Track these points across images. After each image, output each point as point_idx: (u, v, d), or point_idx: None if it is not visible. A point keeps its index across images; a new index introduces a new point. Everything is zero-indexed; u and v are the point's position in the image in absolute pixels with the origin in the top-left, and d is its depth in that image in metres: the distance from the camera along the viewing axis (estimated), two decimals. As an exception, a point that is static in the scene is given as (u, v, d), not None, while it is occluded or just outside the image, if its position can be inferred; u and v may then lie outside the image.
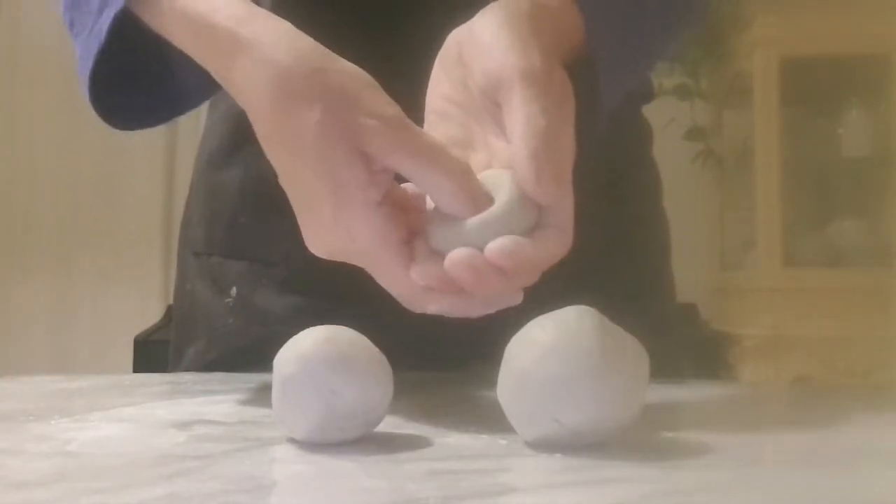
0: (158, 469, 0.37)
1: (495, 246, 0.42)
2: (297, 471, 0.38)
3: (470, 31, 0.50)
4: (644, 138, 0.78)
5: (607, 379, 0.38)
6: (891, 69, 2.17)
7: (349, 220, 0.45)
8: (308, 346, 0.41)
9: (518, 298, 0.45)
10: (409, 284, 0.45)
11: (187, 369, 0.72)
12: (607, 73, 0.54)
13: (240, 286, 0.71)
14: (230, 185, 0.72)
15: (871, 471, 0.38)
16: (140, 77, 0.59)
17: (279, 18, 0.49)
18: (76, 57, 0.58)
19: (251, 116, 0.49)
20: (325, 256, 0.48)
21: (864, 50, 2.21)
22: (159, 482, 0.35)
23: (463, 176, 0.45)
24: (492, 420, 0.43)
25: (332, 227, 0.46)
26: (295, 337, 0.42)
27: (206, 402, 0.53)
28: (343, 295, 0.66)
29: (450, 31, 0.52)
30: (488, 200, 0.45)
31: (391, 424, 0.44)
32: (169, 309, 1.05)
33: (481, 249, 0.43)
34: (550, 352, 0.38)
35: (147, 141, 2.50)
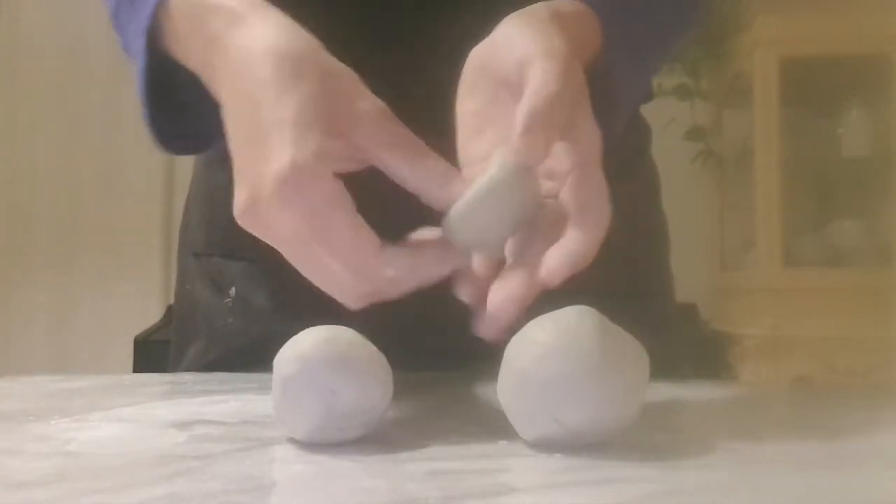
0: (158, 469, 0.37)
1: (546, 269, 0.42)
2: (297, 471, 0.38)
3: (491, 40, 0.50)
4: (643, 138, 0.78)
5: (607, 379, 0.38)
6: (891, 69, 2.17)
7: (302, 168, 0.43)
8: (308, 346, 0.41)
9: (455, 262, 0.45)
10: (363, 248, 0.44)
11: (187, 369, 0.72)
12: (624, 77, 0.54)
13: (239, 286, 0.71)
14: (229, 186, 0.72)
15: (871, 471, 0.38)
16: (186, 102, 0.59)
17: (280, 11, 0.49)
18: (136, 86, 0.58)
19: (221, 82, 0.48)
20: (249, 221, 0.47)
21: (864, 50, 2.21)
22: (159, 482, 0.35)
23: (448, 171, 0.45)
24: (492, 420, 0.43)
25: (277, 179, 0.43)
26: (295, 337, 0.42)
27: (206, 402, 0.53)
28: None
29: (466, 45, 0.52)
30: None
31: (391, 424, 0.44)
32: (169, 309, 1.06)
33: (481, 227, 0.43)
34: (550, 352, 0.38)
35: (147, 141, 2.50)
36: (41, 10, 2.69)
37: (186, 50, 0.53)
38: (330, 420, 0.40)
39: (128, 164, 2.62)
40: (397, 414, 0.46)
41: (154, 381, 0.67)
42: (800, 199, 2.35)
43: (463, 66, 0.52)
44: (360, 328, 0.43)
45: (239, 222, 0.47)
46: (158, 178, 2.61)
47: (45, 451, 0.40)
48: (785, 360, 2.09)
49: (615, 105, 0.54)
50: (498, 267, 0.46)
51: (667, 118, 2.07)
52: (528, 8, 0.51)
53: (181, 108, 0.59)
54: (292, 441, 0.41)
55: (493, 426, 0.42)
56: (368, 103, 0.45)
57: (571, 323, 0.39)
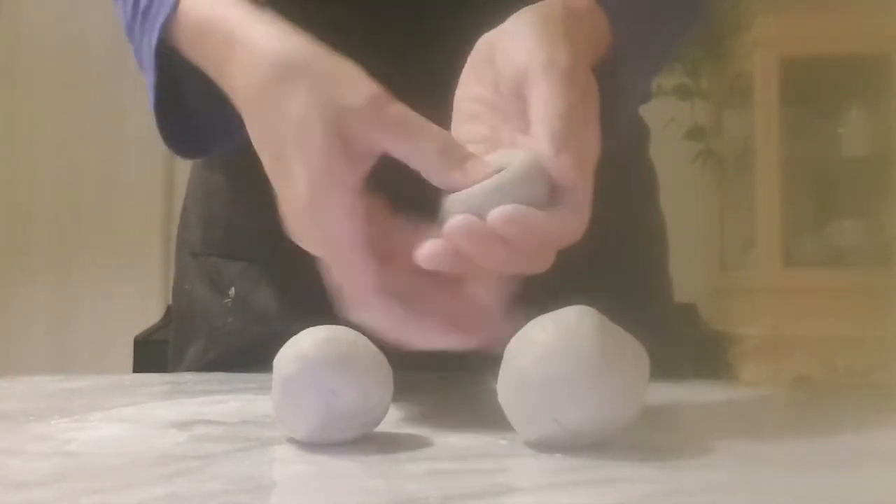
0: (158, 469, 0.37)
1: (498, 211, 0.41)
2: (297, 471, 0.38)
3: (501, 31, 0.51)
4: (641, 139, 0.78)
5: (607, 379, 0.38)
6: (891, 69, 2.17)
7: (322, 207, 0.45)
8: (308, 346, 0.41)
9: (468, 343, 0.46)
10: (365, 282, 0.45)
11: (187, 369, 0.72)
12: (630, 75, 0.54)
13: (238, 286, 0.71)
14: (227, 186, 0.72)
15: (872, 471, 0.38)
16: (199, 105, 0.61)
17: (277, 20, 0.50)
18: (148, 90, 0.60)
19: (240, 108, 0.50)
20: (300, 243, 0.48)
21: (864, 50, 2.21)
22: (159, 482, 0.35)
23: (447, 141, 0.45)
24: (492, 420, 0.43)
25: (307, 214, 0.45)
26: (295, 337, 0.42)
27: (206, 402, 0.53)
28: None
29: (471, 35, 0.52)
30: (489, 172, 0.44)
31: (391, 424, 0.44)
32: (169, 309, 1.05)
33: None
34: (550, 352, 0.38)
35: (147, 141, 2.50)
36: (41, 10, 2.69)
37: (200, 61, 0.54)
38: (330, 420, 0.40)
39: (128, 164, 2.62)
40: (397, 414, 0.46)
41: (154, 381, 0.67)
42: (800, 199, 2.35)
43: (464, 54, 0.52)
44: (361, 328, 0.43)
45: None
46: (158, 178, 2.61)
47: (45, 451, 0.40)
48: (785, 360, 2.09)
49: (620, 104, 0.54)
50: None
51: (667, 118, 2.07)
52: (543, 3, 0.51)
53: (191, 112, 0.60)
54: (292, 441, 0.41)
55: (493, 426, 0.42)
56: (358, 93, 0.45)
57: (571, 323, 0.39)
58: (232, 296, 0.71)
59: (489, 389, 0.42)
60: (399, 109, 0.45)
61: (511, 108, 0.48)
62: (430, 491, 0.33)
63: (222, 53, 0.51)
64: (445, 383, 0.62)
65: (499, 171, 0.44)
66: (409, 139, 0.45)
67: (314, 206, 0.45)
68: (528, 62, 0.47)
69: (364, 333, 0.43)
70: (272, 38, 0.49)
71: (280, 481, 0.37)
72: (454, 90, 0.52)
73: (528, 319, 0.41)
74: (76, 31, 2.62)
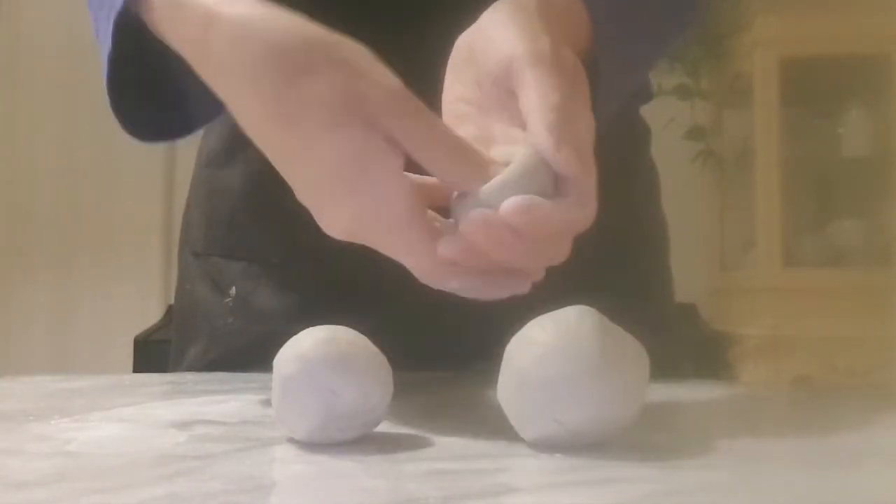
0: (158, 469, 0.37)
1: (508, 203, 0.41)
2: (297, 471, 0.38)
3: (478, 28, 0.50)
4: (642, 139, 0.78)
5: (607, 379, 0.38)
6: (891, 69, 2.17)
7: (374, 188, 0.43)
8: (308, 346, 0.41)
9: (526, 286, 0.45)
10: (432, 257, 0.44)
11: (188, 369, 0.72)
12: (612, 73, 0.54)
13: (239, 286, 0.71)
14: (230, 185, 0.72)
15: (872, 471, 0.38)
16: (159, 89, 0.58)
17: None
18: (103, 69, 0.56)
19: (235, 101, 0.46)
20: (342, 236, 0.46)
21: (864, 50, 2.21)
22: (159, 482, 0.35)
23: (458, 140, 0.45)
24: (492, 420, 0.43)
25: (354, 200, 0.43)
26: (295, 337, 0.42)
27: (207, 402, 0.53)
28: (343, 294, 0.66)
29: (455, 35, 0.52)
30: (500, 170, 0.44)
31: (391, 424, 0.44)
32: (169, 309, 1.06)
33: None
34: (550, 352, 0.38)
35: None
36: (41, 10, 2.69)
37: (174, 42, 0.50)
38: (330, 420, 0.40)
39: (128, 165, 2.62)
40: (397, 414, 0.46)
41: (154, 381, 0.67)
42: (800, 199, 2.35)
43: (450, 51, 0.52)
44: (361, 328, 0.43)
45: (329, 233, 0.47)
46: (158, 178, 2.61)
47: (45, 451, 0.40)
48: (785, 360, 2.09)
49: (600, 97, 0.53)
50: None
51: (667, 118, 2.07)
52: None
53: (154, 97, 0.58)
54: (292, 441, 0.41)
55: (493, 426, 0.42)
56: (382, 82, 0.44)
57: (571, 323, 0.39)
58: (233, 295, 0.71)
59: (489, 389, 0.42)
60: (418, 105, 0.44)
61: (498, 104, 0.48)
62: (430, 491, 0.33)
63: (199, 33, 0.46)
64: (445, 383, 0.62)
65: (504, 167, 0.44)
66: (435, 136, 0.44)
67: (363, 192, 0.43)
68: (510, 55, 0.46)
69: (362, 332, 0.43)
70: (266, 16, 0.45)
71: (280, 481, 0.37)
72: (438, 86, 0.51)
73: (529, 319, 0.41)
74: (76, 31, 2.62)
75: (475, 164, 0.44)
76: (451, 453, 0.39)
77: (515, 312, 0.43)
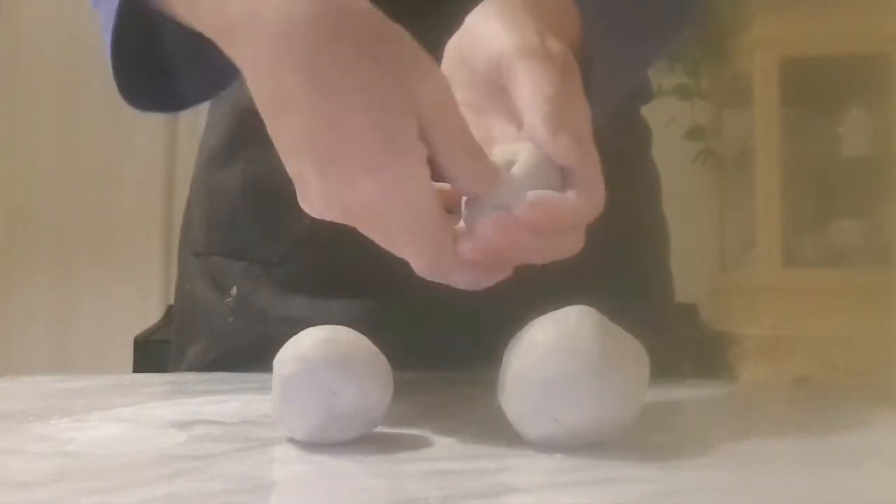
0: (158, 469, 0.37)
1: (521, 202, 0.41)
2: (297, 471, 0.38)
3: (465, 30, 0.50)
4: (642, 139, 0.78)
5: (607, 379, 0.38)
6: (891, 69, 2.18)
7: (399, 167, 0.42)
8: (308, 346, 0.41)
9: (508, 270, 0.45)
10: (445, 248, 0.44)
11: (188, 369, 0.72)
12: (604, 68, 0.54)
13: (240, 286, 0.71)
14: (230, 185, 0.72)
15: (872, 471, 0.38)
16: (162, 61, 0.57)
17: None
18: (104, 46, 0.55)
19: (264, 58, 0.44)
20: (339, 215, 0.45)
21: (864, 50, 2.21)
22: (159, 482, 0.35)
23: (485, 154, 0.44)
24: (492, 420, 0.43)
25: (375, 177, 0.42)
26: (295, 337, 0.42)
27: (207, 402, 0.53)
28: (343, 295, 0.66)
29: (447, 38, 0.52)
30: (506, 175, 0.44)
31: (391, 424, 0.44)
32: (169, 309, 1.05)
33: None
34: (550, 352, 0.38)
35: (147, 141, 2.51)
36: (41, 10, 2.69)
37: (189, 3, 0.48)
38: (330, 420, 0.40)
39: (128, 164, 2.62)
40: (397, 414, 0.46)
41: (154, 381, 0.67)
42: (800, 199, 2.35)
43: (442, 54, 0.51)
44: (361, 328, 0.43)
45: (311, 212, 0.46)
46: (158, 177, 2.61)
47: (45, 451, 0.40)
48: (785, 360, 2.09)
49: (594, 94, 0.53)
50: None
51: (667, 118, 2.07)
52: None
53: (156, 64, 0.57)
54: (292, 441, 0.41)
55: (493, 426, 0.42)
56: (431, 81, 0.43)
57: (571, 323, 0.39)
58: (233, 295, 0.71)
59: (489, 389, 0.42)
60: (458, 109, 0.44)
61: (492, 103, 0.48)
62: (430, 491, 0.33)
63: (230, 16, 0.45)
64: (445, 383, 0.62)
65: (509, 167, 0.44)
66: (458, 143, 0.43)
67: (387, 170, 0.42)
68: (498, 52, 0.46)
69: (362, 332, 0.43)
70: None
71: (280, 481, 0.37)
72: None
73: (529, 319, 0.41)
74: (76, 31, 2.62)
75: (493, 172, 0.44)
76: (451, 453, 0.39)
77: (515, 312, 0.43)
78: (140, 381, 0.65)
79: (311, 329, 0.42)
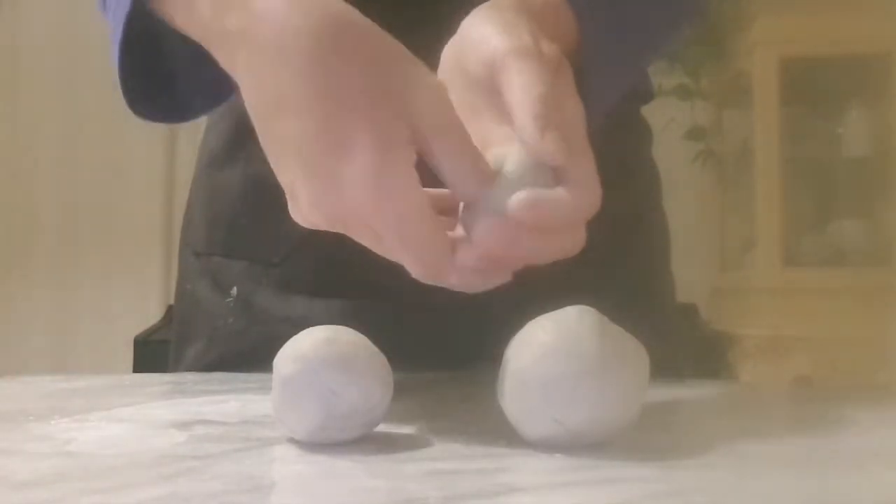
0: (158, 469, 0.37)
1: (513, 202, 0.41)
2: (297, 471, 0.38)
3: (459, 35, 0.50)
4: (642, 139, 0.78)
5: (607, 379, 0.38)
6: (891, 69, 2.18)
7: (392, 171, 0.42)
8: (308, 346, 0.41)
9: (508, 274, 0.45)
10: (439, 253, 0.43)
11: (188, 369, 0.72)
12: (600, 71, 0.54)
13: (240, 286, 0.71)
14: (231, 185, 0.72)
15: (872, 471, 0.38)
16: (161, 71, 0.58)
17: None
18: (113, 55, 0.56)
19: (246, 58, 0.45)
20: (328, 222, 0.45)
21: (864, 50, 2.21)
22: (159, 482, 0.35)
23: (482, 156, 0.45)
24: (492, 420, 0.43)
25: (362, 180, 0.42)
26: (295, 337, 0.42)
27: (206, 402, 0.53)
28: (343, 295, 0.66)
29: (445, 38, 0.52)
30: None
31: (391, 424, 0.44)
32: (169, 309, 1.06)
33: None
34: (550, 352, 0.38)
35: (147, 141, 2.51)
36: (41, 10, 2.69)
37: (188, 14, 0.50)
38: (330, 420, 0.40)
39: (128, 165, 2.62)
40: (397, 414, 0.46)
41: (154, 381, 0.67)
42: (800, 199, 2.35)
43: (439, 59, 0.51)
44: (361, 328, 0.43)
45: (300, 219, 0.46)
46: (159, 177, 2.62)
47: (45, 451, 0.40)
48: (785, 360, 2.09)
49: (590, 93, 0.53)
50: None
51: (667, 118, 2.07)
52: (493, 1, 0.50)
53: (162, 76, 0.57)
54: (292, 441, 0.41)
55: (493, 426, 0.42)
56: (425, 85, 0.44)
57: (571, 323, 0.39)
58: (234, 295, 0.71)
59: (489, 389, 0.42)
60: (454, 111, 0.44)
61: (487, 105, 0.48)
62: (430, 491, 0.33)
63: (230, 21, 0.46)
64: (445, 383, 0.62)
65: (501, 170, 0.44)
66: (455, 145, 0.44)
67: (380, 173, 0.42)
68: (492, 53, 0.46)
69: (362, 332, 0.43)
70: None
71: (280, 481, 0.37)
72: None
73: (529, 319, 0.41)
74: (76, 31, 2.62)
75: (489, 174, 0.44)
76: (451, 453, 0.39)
77: (515, 312, 0.43)
78: (140, 381, 0.65)
79: (311, 329, 0.42)
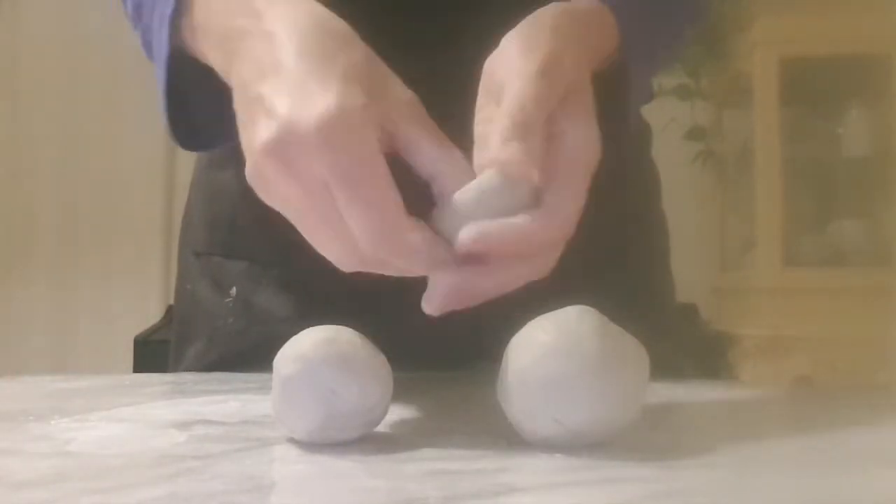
0: (158, 469, 0.37)
1: (461, 235, 0.42)
2: (297, 471, 0.38)
3: (499, 50, 0.50)
4: (643, 139, 0.78)
5: (607, 379, 0.38)
6: (891, 69, 2.17)
7: (349, 124, 0.42)
8: (308, 346, 0.41)
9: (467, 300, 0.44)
10: (394, 204, 0.42)
11: (187, 369, 0.72)
12: (639, 76, 0.54)
13: (240, 286, 0.71)
14: (230, 186, 0.72)
15: (872, 471, 0.38)
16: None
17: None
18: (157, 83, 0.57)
19: (264, 41, 0.47)
20: (275, 166, 0.44)
21: (864, 50, 2.21)
22: (159, 482, 0.35)
23: (467, 165, 0.45)
24: (492, 420, 0.43)
25: (321, 123, 0.42)
26: (295, 337, 0.42)
27: (206, 402, 0.53)
28: (343, 294, 0.66)
29: (484, 50, 0.52)
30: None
31: (391, 424, 0.44)
32: (169, 309, 1.06)
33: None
34: (550, 352, 0.38)
35: (147, 141, 2.51)
36: (41, 10, 2.69)
37: (206, 42, 0.52)
38: (330, 420, 0.40)
39: (128, 165, 2.62)
40: (397, 414, 0.46)
41: (154, 381, 0.67)
42: (800, 199, 2.35)
43: (476, 69, 0.52)
44: (361, 328, 0.43)
45: (255, 166, 0.46)
46: (158, 178, 2.61)
47: (45, 451, 0.40)
48: (785, 360, 2.09)
49: (629, 103, 0.54)
50: None
51: (667, 118, 2.07)
52: (539, 11, 0.51)
53: (195, 106, 0.59)
54: (292, 441, 0.41)
55: (493, 426, 0.42)
56: (403, 88, 0.46)
57: (571, 323, 0.39)
58: (234, 295, 0.71)
59: (489, 389, 0.42)
60: (425, 114, 0.45)
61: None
62: (430, 491, 0.33)
63: (258, 9, 0.48)
64: (445, 383, 0.62)
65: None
66: (439, 147, 0.45)
67: (335, 121, 0.41)
68: (506, 74, 0.47)
69: (362, 332, 0.43)
70: (318, 10, 0.47)
71: (280, 481, 0.37)
72: (470, 106, 0.51)
73: (529, 319, 0.41)
74: (76, 31, 2.62)
75: (463, 161, 0.45)
76: (451, 453, 0.39)
77: (515, 312, 0.43)
78: (140, 381, 0.65)
79: (311, 329, 0.42)
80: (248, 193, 0.71)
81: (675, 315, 0.79)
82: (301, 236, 0.48)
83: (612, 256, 0.68)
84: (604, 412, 0.38)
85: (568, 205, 0.44)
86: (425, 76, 0.48)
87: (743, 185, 2.39)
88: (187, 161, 0.73)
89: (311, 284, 0.68)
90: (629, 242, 0.73)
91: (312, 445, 0.41)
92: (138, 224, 2.62)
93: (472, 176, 0.44)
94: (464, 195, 0.43)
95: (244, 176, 0.74)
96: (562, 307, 0.40)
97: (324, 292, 0.67)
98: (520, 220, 0.42)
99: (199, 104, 0.58)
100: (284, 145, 0.43)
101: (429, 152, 0.45)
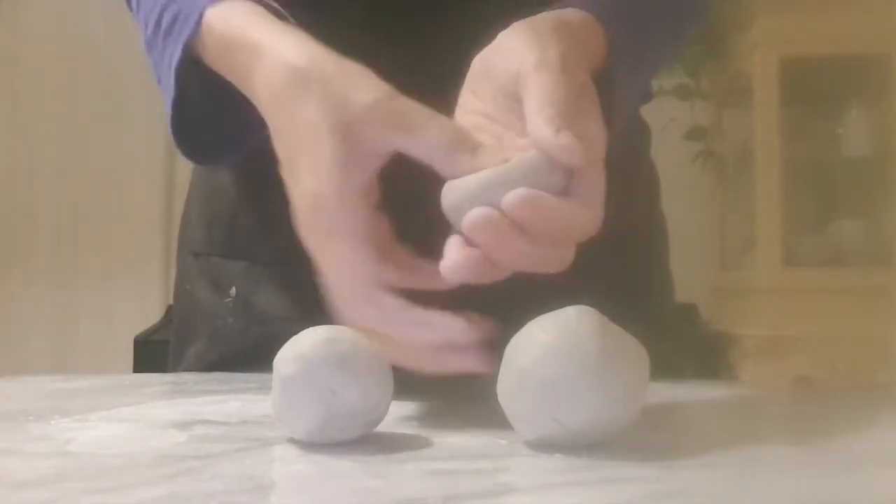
0: (158, 469, 0.37)
1: (512, 196, 0.41)
2: (297, 471, 0.38)
3: (493, 47, 0.51)
4: (642, 139, 0.78)
5: (607, 379, 0.38)
6: (891, 69, 2.17)
7: (327, 199, 0.46)
8: (308, 346, 0.41)
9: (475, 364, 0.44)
10: (364, 273, 0.46)
11: (187, 369, 0.72)
12: (626, 84, 0.55)
13: (239, 286, 0.71)
14: (229, 186, 0.72)
15: (871, 471, 0.38)
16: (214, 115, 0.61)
17: (299, 30, 0.52)
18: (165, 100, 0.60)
19: (264, 113, 0.52)
20: (306, 243, 0.49)
21: (864, 50, 2.21)
22: (159, 482, 0.35)
23: (454, 129, 0.46)
24: (492, 420, 0.43)
25: (311, 208, 0.47)
26: (295, 337, 0.42)
27: (207, 402, 0.53)
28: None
29: (469, 47, 0.52)
30: (497, 161, 0.44)
31: (391, 424, 0.44)
32: (169, 309, 1.06)
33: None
34: (550, 352, 0.38)
35: (147, 141, 2.51)
36: (41, 10, 2.69)
37: (225, 71, 0.56)
38: (330, 420, 0.40)
39: (128, 165, 2.62)
40: (397, 414, 0.46)
41: (154, 381, 0.67)
42: (800, 199, 2.35)
43: (466, 66, 0.52)
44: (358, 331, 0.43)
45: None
46: (158, 178, 2.61)
47: (45, 451, 0.40)
48: (785, 360, 2.08)
49: (613, 110, 0.54)
50: None
51: (667, 118, 2.07)
52: (533, 17, 0.51)
53: (203, 122, 0.61)
54: (292, 441, 0.41)
55: (493, 426, 0.42)
56: (365, 92, 0.47)
57: (571, 323, 0.39)
58: (233, 296, 0.71)
59: (489, 389, 0.42)
60: (405, 103, 0.47)
61: (510, 115, 0.49)
62: (430, 491, 0.33)
63: (248, 64, 0.52)
64: (445, 383, 0.62)
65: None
66: (415, 130, 0.46)
67: (318, 200, 0.46)
68: (520, 66, 0.47)
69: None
70: (292, 47, 0.50)
71: (280, 481, 0.37)
72: (453, 97, 0.52)
73: (529, 319, 0.41)
74: (76, 31, 2.62)
75: (472, 151, 0.45)
76: (451, 453, 0.39)
77: (515, 312, 0.43)
78: (140, 381, 0.65)
79: (311, 329, 0.42)
80: (246, 193, 0.71)
81: (675, 315, 0.79)
82: (300, 237, 0.49)
83: (612, 256, 0.68)
84: (604, 412, 0.38)
85: (599, 199, 0.44)
86: (409, 70, 0.48)
87: (743, 185, 2.39)
88: (187, 161, 0.73)
89: (311, 284, 0.68)
90: (629, 242, 0.73)
91: (312, 445, 0.41)
92: (138, 224, 2.62)
93: (455, 150, 0.45)
94: (507, 169, 0.43)
95: (243, 176, 0.74)
96: (562, 307, 0.40)
97: (323, 292, 0.67)
98: (566, 201, 0.43)
99: (205, 116, 0.60)
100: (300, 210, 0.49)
101: (416, 147, 0.46)
